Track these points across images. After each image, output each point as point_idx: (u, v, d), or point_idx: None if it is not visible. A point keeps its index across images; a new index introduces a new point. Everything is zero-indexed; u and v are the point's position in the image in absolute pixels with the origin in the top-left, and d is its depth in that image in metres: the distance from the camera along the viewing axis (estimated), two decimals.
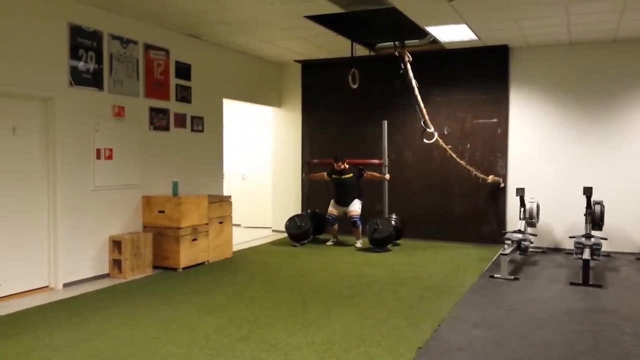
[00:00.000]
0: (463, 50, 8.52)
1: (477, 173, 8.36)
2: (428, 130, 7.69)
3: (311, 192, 10.03)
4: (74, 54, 6.09)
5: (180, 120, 7.70)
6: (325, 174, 8.73)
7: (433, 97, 8.75)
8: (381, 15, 6.99)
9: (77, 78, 6.14)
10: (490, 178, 8.45)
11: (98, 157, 6.40)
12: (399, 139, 9.29)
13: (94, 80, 6.34)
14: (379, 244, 8.08)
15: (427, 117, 7.62)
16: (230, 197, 7.96)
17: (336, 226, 8.70)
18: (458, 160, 8.30)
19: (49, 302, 5.40)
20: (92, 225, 6.36)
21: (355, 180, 8.50)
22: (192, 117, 7.95)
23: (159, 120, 7.31)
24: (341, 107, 9.67)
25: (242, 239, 8.99)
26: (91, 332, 4.43)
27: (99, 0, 6.12)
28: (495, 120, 8.71)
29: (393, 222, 8.33)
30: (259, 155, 10.78)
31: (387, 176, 8.51)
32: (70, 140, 6.08)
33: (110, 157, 6.54)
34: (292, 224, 8.76)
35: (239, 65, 9.07)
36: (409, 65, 7.22)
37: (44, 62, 5.77)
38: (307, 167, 9.27)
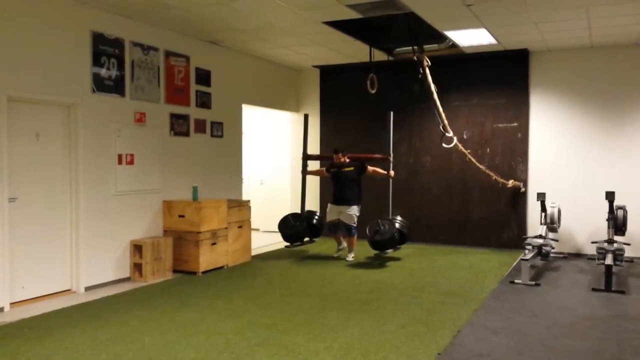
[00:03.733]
0: (482, 54, 8.47)
1: (497, 178, 8.28)
2: (447, 134, 7.65)
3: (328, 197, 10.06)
4: (97, 61, 6.19)
5: (200, 126, 7.78)
6: (324, 169, 8.11)
7: (452, 102, 8.71)
8: (399, 20, 6.99)
9: (100, 85, 6.23)
10: (511, 183, 8.37)
11: (120, 162, 6.49)
12: (417, 143, 9.26)
13: (116, 86, 6.44)
14: (379, 246, 7.52)
15: (446, 121, 7.58)
16: (249, 201, 8.01)
17: (338, 234, 7.95)
18: (478, 164, 8.24)
19: (70, 305, 5.48)
20: (114, 229, 6.44)
21: (355, 175, 7.74)
22: (212, 123, 8.01)
23: (179, 125, 7.38)
24: (359, 112, 9.67)
25: (260, 243, 9.02)
26: (112, 336, 4.48)
27: (121, 8, 6.21)
28: (515, 124, 8.63)
29: (397, 224, 7.69)
30: (278, 160, 10.81)
31: (392, 173, 7.82)
32: (93, 145, 6.18)
33: (131, 162, 6.62)
34: (286, 223, 8.10)
35: (257, 71, 9.12)
36: (427, 70, 7.20)
37: (67, 69, 5.88)
38: (306, 162, 8.40)
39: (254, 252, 8.10)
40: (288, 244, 8.20)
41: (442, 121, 7.56)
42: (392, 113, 7.93)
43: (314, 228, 8.35)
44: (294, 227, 7.99)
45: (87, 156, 6.11)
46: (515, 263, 7.39)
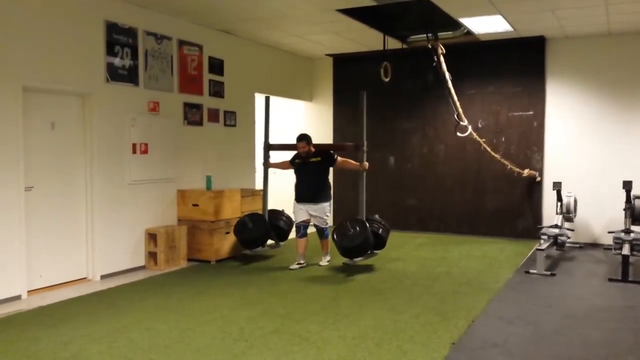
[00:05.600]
0: (497, 41, 8.36)
1: (512, 167, 8.21)
2: (462, 123, 7.58)
3: (342, 187, 10.05)
4: (110, 50, 6.20)
5: (214, 115, 7.78)
6: (287, 161, 6.90)
7: (466, 90, 8.63)
8: (414, 8, 6.92)
9: (114, 74, 6.25)
10: (526, 172, 8.28)
11: (134, 151, 6.52)
12: (431, 132, 9.20)
13: (130, 76, 6.45)
14: (348, 253, 6.26)
15: (460, 110, 7.51)
16: (261, 190, 8.01)
17: (305, 240, 6.64)
18: (493, 154, 8.16)
19: (86, 293, 5.54)
20: (129, 218, 6.48)
21: (323, 167, 6.64)
22: (225, 112, 8.02)
23: (192, 115, 7.40)
24: (373, 101, 9.53)
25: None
26: (127, 323, 4.52)
27: None
28: (531, 112, 8.53)
29: (372, 226, 6.42)
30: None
31: (365, 165, 6.52)
32: (107, 135, 6.21)
33: (145, 151, 6.65)
34: (242, 226, 6.85)
35: (270, 60, 9.09)
36: (442, 58, 7.12)
37: (81, 59, 5.90)
38: (267, 152, 7.28)
39: (267, 242, 8.10)
40: (247, 250, 7.04)
41: (457, 110, 7.49)
42: (365, 93, 6.81)
43: (280, 230, 7.31)
44: (252, 230, 6.82)
45: (101, 145, 6.14)
46: (530, 253, 7.33)
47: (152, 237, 6.64)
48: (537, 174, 8.41)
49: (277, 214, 7.34)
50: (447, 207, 9.10)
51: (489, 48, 8.58)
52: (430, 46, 7.16)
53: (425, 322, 4.53)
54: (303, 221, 6.62)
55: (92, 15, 6.01)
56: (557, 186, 7.57)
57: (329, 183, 6.77)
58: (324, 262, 6.72)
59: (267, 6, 6.58)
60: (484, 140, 8.16)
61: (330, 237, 6.55)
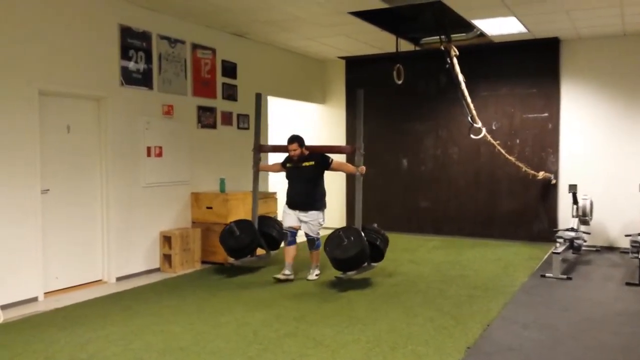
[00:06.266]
0: (511, 43, 8.31)
1: (527, 169, 8.14)
2: (475, 125, 7.53)
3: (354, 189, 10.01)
4: (125, 54, 6.25)
5: (227, 118, 7.81)
6: (279, 164, 6.46)
7: (480, 92, 8.58)
8: (426, 10, 6.89)
9: (128, 78, 6.30)
10: (541, 174, 8.22)
11: (148, 154, 6.56)
12: (444, 135, 9.16)
13: (144, 79, 6.50)
14: (341, 265, 5.68)
15: (474, 112, 7.46)
16: (275, 193, 8.02)
17: (294, 248, 6.15)
18: (507, 156, 8.10)
19: (102, 295, 5.59)
20: (144, 220, 6.52)
21: (317, 172, 6.08)
22: (238, 115, 8.05)
23: (206, 118, 7.43)
24: (386, 104, 9.59)
25: None
26: (143, 326, 4.54)
27: (148, 1, 6.26)
28: (545, 114, 8.46)
29: (368, 236, 5.83)
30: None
31: (362, 169, 5.97)
32: (122, 138, 6.26)
33: (160, 154, 6.69)
34: (228, 233, 6.35)
35: (283, 63, 9.11)
36: (455, 60, 7.09)
37: (96, 62, 5.95)
38: (258, 154, 6.75)
39: (281, 244, 8.11)
40: (233, 260, 6.49)
41: (471, 112, 7.45)
42: (362, 91, 6.37)
43: (271, 238, 6.72)
44: (239, 238, 6.30)
45: (116, 148, 6.19)
46: (546, 256, 7.27)
47: (166, 239, 6.67)
48: (552, 176, 8.34)
49: (267, 221, 6.79)
50: (461, 210, 9.05)
51: (503, 50, 8.53)
52: (443, 48, 7.13)
53: (440, 325, 4.50)
54: (291, 227, 6.06)
55: (106, 19, 6.07)
56: (572, 189, 7.50)
57: (324, 189, 6.18)
58: (312, 275, 6.10)
59: (280, 9, 6.60)
60: (498, 142, 8.10)
61: (320, 248, 6.05)
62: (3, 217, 5.09)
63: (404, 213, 9.50)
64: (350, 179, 9.93)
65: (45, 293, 5.51)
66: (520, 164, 8.12)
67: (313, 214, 6.02)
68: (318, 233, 6.12)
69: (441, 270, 6.62)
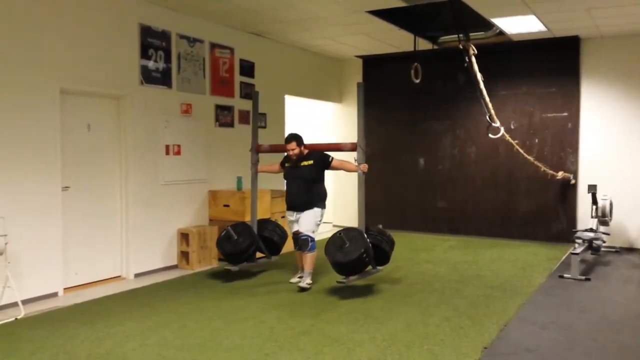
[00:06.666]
0: (530, 41, 8.23)
1: (545, 169, 8.06)
2: (494, 124, 7.47)
3: (371, 188, 10.02)
4: (144, 53, 6.32)
5: (244, 117, 7.85)
6: (278, 164, 6.17)
7: (499, 91, 8.52)
8: (445, 8, 6.86)
9: (148, 77, 6.37)
10: (560, 174, 8.13)
11: (167, 152, 6.63)
12: (462, 134, 9.11)
13: (163, 78, 6.57)
14: (342, 270, 5.39)
15: (492, 111, 7.40)
16: None
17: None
18: (526, 155, 8.02)
19: (121, 291, 5.66)
20: (162, 218, 6.59)
21: (316, 171, 5.78)
22: None
23: (224, 117, 7.48)
24: (403, 103, 9.57)
25: None
26: (160, 321, 4.60)
27: (168, 0, 6.32)
28: (565, 114, 8.37)
29: (372, 238, 5.57)
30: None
31: (364, 167, 5.70)
32: (141, 136, 6.33)
33: (178, 152, 6.76)
34: (225, 237, 6.07)
35: (300, 62, 9.14)
36: (473, 58, 7.04)
37: (116, 62, 6.03)
38: (256, 155, 6.43)
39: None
40: (232, 265, 6.14)
41: (489, 111, 7.39)
42: (362, 84, 6.21)
43: (271, 242, 6.43)
44: (237, 242, 6.00)
45: (136, 147, 6.27)
46: (564, 257, 7.20)
47: (184, 236, 6.74)
48: (571, 176, 8.25)
49: (268, 225, 6.51)
50: (478, 210, 8.99)
51: (522, 48, 8.45)
52: (461, 47, 7.09)
53: (456, 325, 4.48)
54: (298, 232, 5.81)
55: (127, 19, 6.14)
56: (592, 189, 7.41)
57: (324, 190, 5.88)
58: (303, 283, 5.63)
59: (298, 8, 6.62)
60: (516, 141, 8.03)
61: (314, 252, 5.69)
62: (25, 213, 5.18)
63: (421, 212, 9.47)
64: (367, 173, 9.90)
65: (65, 288, 5.60)
66: (539, 164, 8.04)
67: (309, 212, 5.68)
68: (313, 232, 5.69)
69: (458, 270, 6.59)
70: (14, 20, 5.08)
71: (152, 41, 6.41)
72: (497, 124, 7.44)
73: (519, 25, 7.36)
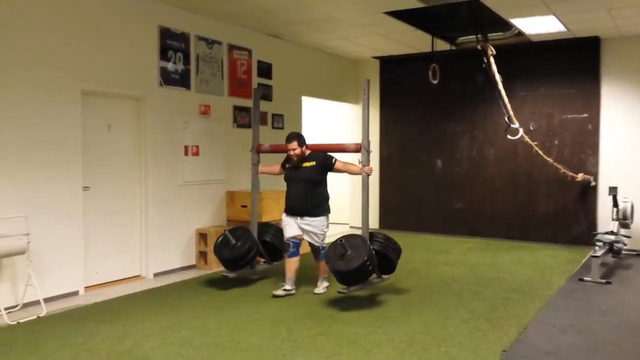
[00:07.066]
0: (550, 42, 8.16)
1: (565, 171, 7.98)
2: (512, 126, 7.41)
3: (388, 190, 10.01)
4: (164, 55, 6.38)
5: (262, 118, 7.87)
6: (279, 165, 5.88)
7: (517, 92, 8.45)
8: (463, 9, 6.82)
9: (167, 78, 6.43)
10: (580, 176, 8.04)
11: (186, 153, 6.69)
12: (480, 135, 9.05)
13: (182, 80, 6.62)
14: (345, 279, 5.09)
15: (511, 112, 7.35)
16: None
17: (297, 260, 5.52)
18: (545, 157, 7.95)
19: (140, 290, 5.72)
20: (180, 218, 6.65)
21: (318, 173, 5.47)
22: (273, 115, 8.12)
23: (241, 118, 7.53)
24: (420, 104, 9.54)
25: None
26: (179, 321, 4.64)
27: (187, 3, 6.37)
28: (585, 115, 8.27)
29: (376, 245, 5.31)
30: (337, 152, 10.81)
31: (369, 169, 5.44)
32: (160, 137, 6.40)
33: (196, 153, 6.81)
34: (223, 242, 5.80)
35: (317, 63, 9.15)
36: (492, 59, 6.99)
37: (136, 63, 6.10)
38: (257, 155, 6.21)
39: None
40: (228, 272, 5.90)
41: (508, 112, 7.34)
42: (368, 81, 5.87)
43: (271, 247, 6.17)
44: (235, 248, 5.74)
45: (155, 147, 6.33)
46: (584, 260, 7.11)
47: (202, 237, 6.79)
48: (591, 178, 8.15)
49: (268, 229, 6.22)
50: (496, 212, 8.92)
51: (541, 49, 8.38)
52: (479, 47, 7.05)
53: (474, 328, 4.46)
54: (293, 237, 5.46)
55: (146, 21, 6.21)
56: (613, 191, 7.31)
57: (327, 193, 5.58)
58: (319, 289, 5.56)
59: (316, 9, 6.64)
60: (535, 143, 7.95)
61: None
62: (47, 213, 5.26)
63: (438, 214, 9.43)
64: (385, 175, 9.99)
65: (85, 287, 5.68)
66: (559, 166, 7.96)
67: (315, 222, 5.40)
68: (323, 241, 5.49)
69: (476, 272, 6.55)
70: (36, 23, 5.16)
71: (171, 43, 6.47)
72: (516, 125, 7.38)
73: (539, 25, 7.30)
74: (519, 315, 4.81)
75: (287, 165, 5.65)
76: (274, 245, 6.13)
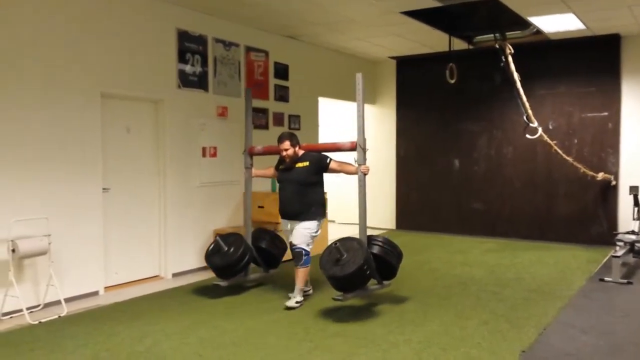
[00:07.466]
0: (569, 40, 8.07)
1: (585, 170, 7.88)
2: (531, 125, 7.35)
3: (405, 190, 9.98)
4: (182, 57, 6.44)
5: (279, 119, 7.92)
6: (273, 167, 5.60)
7: (536, 91, 8.37)
8: (481, 8, 6.78)
9: (185, 80, 6.49)
10: (601, 175, 7.93)
11: (204, 155, 6.74)
12: (498, 135, 8.97)
13: (200, 82, 6.68)
14: (341, 285, 4.76)
15: (530, 111, 7.29)
16: (325, 193, 8.03)
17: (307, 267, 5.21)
18: (564, 156, 7.85)
19: (159, 290, 5.77)
20: (198, 219, 6.70)
21: (312, 174, 5.19)
22: (290, 116, 8.15)
23: (258, 119, 7.56)
24: (437, 103, 9.50)
25: (336, 234, 9.01)
26: (197, 321, 4.67)
27: (204, 5, 6.42)
28: (605, 114, 8.16)
29: (375, 249, 5.00)
30: (353, 153, 10.80)
31: (365, 168, 5.11)
32: (179, 139, 6.45)
33: (214, 154, 6.86)
34: (214, 249, 5.54)
35: (333, 63, 9.15)
36: (510, 58, 6.94)
37: (154, 66, 6.16)
38: (250, 158, 5.91)
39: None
40: (222, 281, 5.53)
41: (526, 111, 7.28)
42: (360, 75, 5.74)
43: (268, 254, 5.87)
44: (227, 255, 5.44)
45: (173, 149, 6.39)
46: (605, 260, 7.01)
47: None
48: (612, 177, 8.03)
49: (265, 235, 5.93)
50: (515, 212, 8.84)
51: (560, 47, 8.29)
52: (497, 46, 7.00)
53: (493, 328, 4.42)
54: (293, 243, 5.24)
55: (165, 24, 6.27)
56: (633, 190, 7.20)
57: (322, 196, 5.29)
58: (291, 301, 5.04)
59: (332, 11, 6.64)
60: (555, 142, 7.87)
61: (307, 266, 5.14)
62: (67, 214, 5.34)
63: (456, 214, 9.37)
64: (402, 175, 9.96)
65: (105, 287, 5.75)
66: (579, 165, 7.86)
67: (305, 223, 5.11)
68: (308, 245, 5.12)
69: (495, 273, 6.49)
70: (57, 27, 5.24)
71: (189, 45, 6.53)
72: (535, 124, 7.32)
73: (557, 23, 7.22)
74: (538, 315, 4.76)
75: (280, 167, 5.39)
76: (270, 252, 5.82)
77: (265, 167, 5.79)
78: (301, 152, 5.28)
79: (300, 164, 5.20)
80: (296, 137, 5.29)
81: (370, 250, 4.95)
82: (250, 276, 5.81)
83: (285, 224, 5.32)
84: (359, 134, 5.19)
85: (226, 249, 5.44)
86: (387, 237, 5.23)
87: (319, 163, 5.21)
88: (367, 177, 5.16)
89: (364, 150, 5.14)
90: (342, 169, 5.29)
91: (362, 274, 4.71)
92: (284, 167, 5.28)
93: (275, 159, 5.62)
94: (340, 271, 4.64)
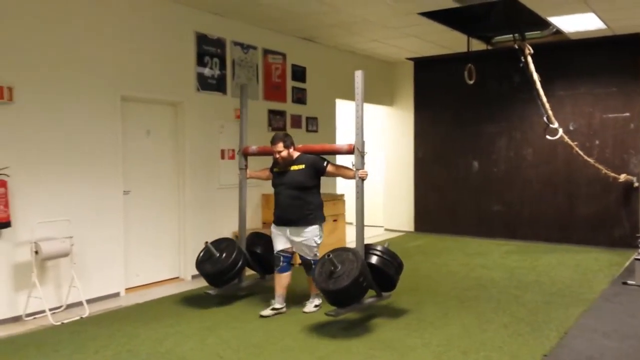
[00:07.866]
0: (589, 40, 7.96)
1: (607, 171, 7.76)
2: (552, 126, 7.26)
3: (423, 192, 9.93)
4: (200, 61, 6.49)
5: (296, 121, 7.94)
6: (267, 169, 5.34)
7: (556, 91, 8.28)
8: (499, 8, 6.73)
9: (204, 83, 6.54)
10: (623, 177, 7.81)
11: (222, 157, 6.79)
12: (518, 136, 8.89)
13: (218, 85, 6.72)
14: (335, 298, 4.47)
15: (550, 112, 7.20)
16: (343, 195, 8.06)
17: (288, 276, 5.06)
18: (586, 157, 7.75)
19: (178, 292, 5.82)
20: (217, 221, 6.74)
21: (307, 178, 4.93)
22: (307, 118, 8.16)
23: (276, 121, 7.59)
24: (456, 105, 9.44)
25: (354, 237, 9.02)
26: (217, 322, 4.70)
27: (222, 9, 6.47)
28: (627, 114, 8.04)
29: (375, 260, 4.77)
30: (371, 154, 10.77)
31: (363, 172, 4.80)
32: (197, 141, 6.50)
33: (233, 157, 6.90)
34: (205, 255, 5.32)
35: (351, 65, 9.12)
36: (529, 58, 6.87)
37: (173, 69, 6.22)
38: (244, 159, 5.71)
39: (348, 246, 8.13)
40: (213, 289, 5.33)
41: (546, 112, 7.19)
42: (360, 72, 5.46)
43: (265, 260, 5.53)
44: (219, 261, 5.22)
45: (192, 151, 6.44)
46: (627, 263, 6.90)
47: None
48: (634, 179, 7.91)
49: (260, 239, 5.66)
50: (536, 214, 8.74)
51: (580, 47, 8.19)
52: (516, 47, 6.94)
53: (514, 332, 4.38)
54: (283, 250, 4.99)
55: (183, 27, 6.33)
56: None
57: (319, 199, 5.04)
58: (309, 307, 5.03)
59: (349, 12, 6.65)
60: (576, 143, 7.76)
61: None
62: (89, 217, 5.41)
63: (475, 216, 9.30)
64: (420, 176, 9.91)
65: (126, 289, 5.81)
66: (600, 166, 7.75)
67: (306, 232, 4.88)
68: (315, 254, 4.96)
69: (515, 275, 6.43)
70: (78, 31, 5.32)
71: (208, 49, 6.57)
72: (555, 125, 7.23)
73: (578, 23, 7.13)
74: (560, 319, 4.70)
75: (274, 169, 5.12)
76: (265, 257, 5.49)
77: (261, 169, 5.54)
78: (296, 154, 5.01)
79: (295, 167, 4.95)
80: (290, 138, 5.02)
81: (368, 260, 4.71)
82: (242, 282, 5.59)
83: (277, 230, 5.00)
84: (357, 136, 4.88)
85: (217, 255, 5.23)
86: (387, 246, 4.94)
87: (315, 166, 4.95)
88: (375, 180, 4.98)
89: (362, 153, 4.79)
90: (340, 173, 5.06)
91: (357, 287, 4.41)
92: (279, 170, 5.04)
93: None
94: (334, 285, 4.35)
